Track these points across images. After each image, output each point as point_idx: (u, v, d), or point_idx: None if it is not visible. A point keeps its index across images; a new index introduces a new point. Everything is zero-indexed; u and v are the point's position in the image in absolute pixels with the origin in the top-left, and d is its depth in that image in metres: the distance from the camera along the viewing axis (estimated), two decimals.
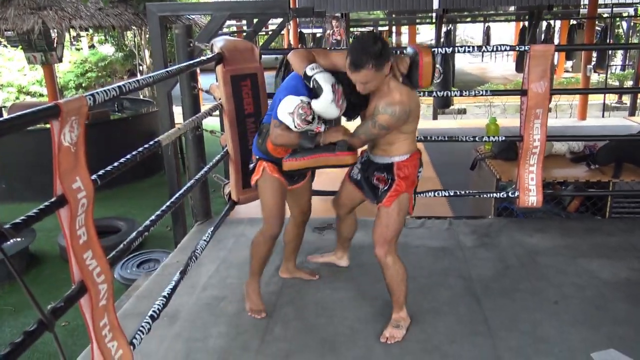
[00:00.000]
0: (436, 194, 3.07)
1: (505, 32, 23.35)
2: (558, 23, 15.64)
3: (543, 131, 2.87)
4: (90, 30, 8.75)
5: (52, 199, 1.28)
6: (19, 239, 4.56)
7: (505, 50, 3.05)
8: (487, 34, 17.21)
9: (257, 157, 2.27)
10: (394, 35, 20.36)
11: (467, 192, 3.22)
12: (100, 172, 1.50)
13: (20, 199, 6.01)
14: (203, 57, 2.77)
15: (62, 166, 1.28)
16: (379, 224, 2.15)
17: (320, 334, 2.22)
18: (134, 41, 12.36)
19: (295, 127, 1.96)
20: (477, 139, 3.12)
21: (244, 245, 3.10)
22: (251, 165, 2.31)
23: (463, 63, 20.83)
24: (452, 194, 3.10)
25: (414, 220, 3.38)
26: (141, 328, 1.76)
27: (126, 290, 3.16)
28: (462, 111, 12.16)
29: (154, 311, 1.85)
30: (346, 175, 2.42)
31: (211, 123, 6.00)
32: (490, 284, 2.58)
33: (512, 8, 13.23)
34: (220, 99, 2.82)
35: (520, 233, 3.13)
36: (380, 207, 2.14)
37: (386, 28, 20.30)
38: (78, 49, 14.68)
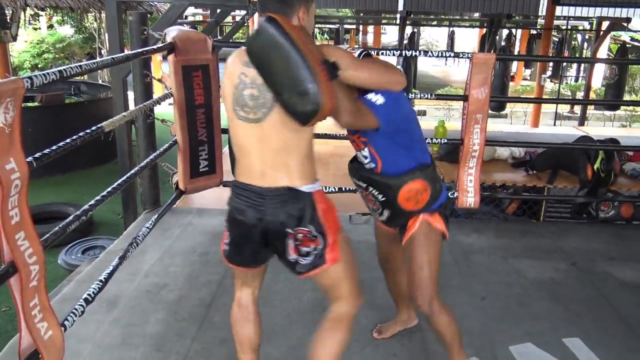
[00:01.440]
0: None
1: (470, 37, 23.88)
2: (520, 32, 16.16)
3: (482, 136, 3.01)
4: (49, 10, 8.50)
5: None
6: None
7: (450, 56, 3.16)
8: (451, 38, 17.58)
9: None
10: (360, 34, 20.54)
11: None
12: (37, 155, 1.52)
13: None
14: (154, 46, 2.78)
15: None
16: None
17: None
18: (95, 24, 12.08)
19: None
20: None
21: (190, 234, 3.15)
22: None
23: (427, 66, 21.17)
24: None
25: (360, 217, 3.48)
26: (74, 311, 1.78)
27: (69, 276, 3.15)
28: (422, 113, 12.41)
29: (88, 294, 1.87)
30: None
31: (169, 113, 5.97)
32: None
33: (476, 14, 13.59)
34: (171, 88, 2.83)
35: (458, 232, 3.27)
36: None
37: (353, 26, 20.48)
38: (35, 29, 14.21)
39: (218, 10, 6.19)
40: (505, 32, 13.05)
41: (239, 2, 4.58)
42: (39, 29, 14.44)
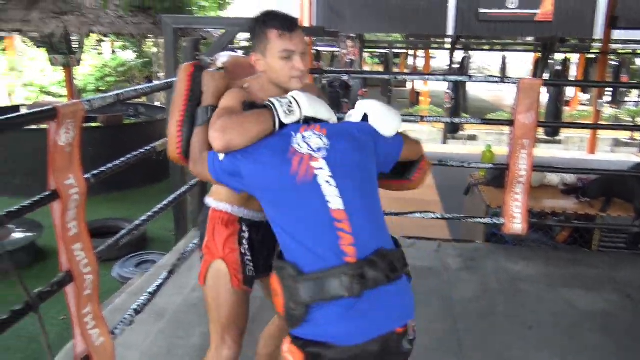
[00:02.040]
0: (424, 215, 3.15)
1: (524, 61, 23.46)
2: (576, 56, 15.74)
3: (529, 161, 2.95)
4: (111, 37, 9.01)
5: (46, 193, 1.40)
6: (29, 234, 4.73)
7: (495, 81, 3.14)
8: (503, 62, 17.34)
9: None
10: (410, 58, 20.59)
11: (453, 215, 3.31)
12: (94, 172, 1.62)
13: (30, 194, 6.20)
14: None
15: (57, 164, 1.41)
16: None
17: None
18: (154, 49, 12.67)
19: None
20: (465, 164, 3.22)
21: None
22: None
23: (480, 90, 20.95)
24: (438, 216, 3.19)
25: (404, 240, 3.46)
26: (123, 320, 1.87)
27: (121, 288, 3.28)
28: (473, 137, 12.25)
29: (138, 305, 1.96)
30: None
31: None
32: (468, 306, 2.66)
33: (529, 38, 13.37)
34: None
35: (505, 259, 3.20)
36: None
37: (403, 51, 20.54)
38: (100, 54, 15.05)
39: None
40: (561, 56, 12.77)
41: None
42: (102, 53, 15.28)
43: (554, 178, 3.86)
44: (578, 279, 2.98)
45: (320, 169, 1.25)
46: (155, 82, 2.05)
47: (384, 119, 1.42)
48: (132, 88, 1.75)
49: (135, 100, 10.55)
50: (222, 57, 2.91)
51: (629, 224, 3.35)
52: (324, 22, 9.86)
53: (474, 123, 2.91)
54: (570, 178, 3.84)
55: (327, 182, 1.24)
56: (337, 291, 1.15)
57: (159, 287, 2.12)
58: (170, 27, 3.93)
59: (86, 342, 1.64)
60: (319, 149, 1.28)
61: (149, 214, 2.14)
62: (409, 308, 1.25)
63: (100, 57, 14.62)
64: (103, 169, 1.67)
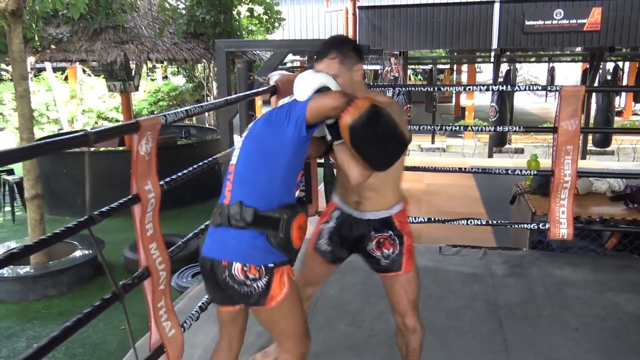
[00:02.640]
0: (469, 222, 3.24)
1: (571, 72, 22.98)
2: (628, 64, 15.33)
3: (574, 167, 3.01)
4: (165, 63, 9.53)
5: (129, 197, 1.61)
6: (88, 251, 5.08)
7: (537, 89, 3.21)
8: (551, 74, 17.06)
9: (269, 264, 1.55)
10: (454, 73, 20.55)
11: (498, 221, 3.38)
12: (167, 180, 1.84)
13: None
14: (258, 89, 3.13)
15: (138, 171, 1.62)
16: (403, 294, 1.86)
17: (348, 340, 2.45)
18: (204, 73, 13.22)
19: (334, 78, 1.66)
20: (509, 172, 3.29)
21: None
22: (259, 283, 1.56)
23: (527, 103, 20.64)
24: (482, 222, 3.27)
25: (450, 248, 3.55)
26: (191, 316, 2.07)
27: (181, 295, 3.50)
28: (520, 150, 12.10)
29: (202, 303, 2.16)
30: (310, 246, 2.03)
31: None
32: (514, 309, 2.73)
33: (578, 48, 13.15)
34: None
35: (551, 266, 3.24)
36: (400, 275, 1.85)
37: (447, 66, 20.54)
38: (153, 79, 15.82)
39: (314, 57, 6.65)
40: (612, 65, 12.49)
41: None
42: (155, 79, 16.05)
43: (601, 185, 3.86)
44: (626, 283, 2.98)
45: (244, 136, 1.69)
46: (216, 100, 2.26)
47: (298, 85, 1.63)
48: (198, 105, 1.96)
49: (187, 122, 11.07)
50: (274, 76, 3.14)
51: None
52: (367, 40, 10.07)
53: (517, 131, 2.99)
54: (618, 185, 3.84)
55: (239, 146, 1.68)
56: (212, 220, 1.67)
57: None
58: (223, 51, 4.21)
59: (160, 333, 1.84)
60: (257, 121, 1.69)
61: (202, 227, 2.32)
62: (234, 250, 1.58)
63: (154, 82, 15.36)
64: (174, 177, 1.88)
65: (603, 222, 3.59)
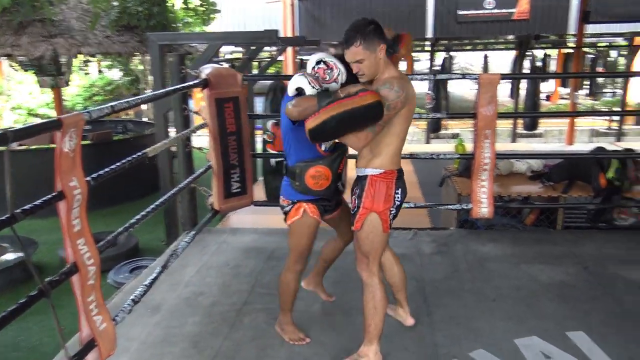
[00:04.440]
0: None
1: (504, 59, 23.87)
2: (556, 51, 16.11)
3: (492, 150, 3.21)
4: (99, 56, 9.25)
5: (53, 194, 1.63)
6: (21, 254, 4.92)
7: (458, 78, 3.41)
8: (485, 61, 17.68)
9: (295, 200, 2.21)
10: None
11: (425, 204, 3.57)
12: (93, 175, 1.86)
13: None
14: (190, 82, 3.15)
15: (62, 167, 1.64)
16: (356, 245, 2.18)
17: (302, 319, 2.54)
18: (139, 67, 12.90)
19: (309, 83, 2.01)
20: (434, 156, 3.48)
21: (224, 250, 3.46)
22: (286, 208, 2.24)
23: (464, 89, 21.30)
24: (412, 205, 3.44)
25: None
26: (123, 309, 2.10)
27: (117, 291, 3.50)
28: (456, 135, 12.55)
29: (135, 295, 2.19)
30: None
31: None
32: (438, 285, 2.91)
33: (510, 37, 13.69)
34: (206, 119, 3.19)
35: (475, 243, 3.46)
36: (354, 230, 2.15)
37: None
38: (86, 74, 15.25)
39: (252, 48, 6.65)
40: (542, 52, 13.08)
41: (269, 39, 4.96)
42: (89, 73, 15.49)
43: (521, 166, 4.13)
44: (540, 255, 3.24)
45: None
46: (145, 95, 2.28)
47: (289, 84, 2.07)
48: (125, 100, 1.98)
49: (124, 116, 10.79)
50: (206, 69, 3.18)
51: (586, 202, 3.62)
52: (307, 31, 10.13)
53: (441, 118, 3.15)
54: (537, 165, 4.11)
55: None
56: None
57: (154, 279, 2.35)
58: (156, 44, 4.18)
59: (91, 327, 1.87)
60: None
61: (143, 213, 2.36)
62: (282, 188, 2.27)
63: (87, 77, 14.83)
64: (101, 172, 1.90)
65: (523, 200, 3.86)
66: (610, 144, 9.34)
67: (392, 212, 2.11)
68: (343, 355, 2.24)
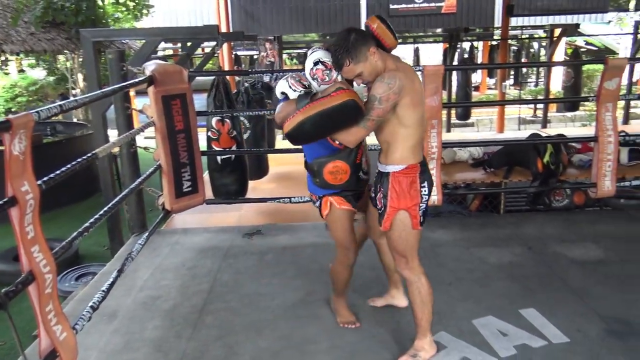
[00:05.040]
0: None
1: (434, 52, 24.64)
2: (482, 43, 16.82)
3: (439, 139, 3.32)
4: (21, 55, 8.71)
5: (5, 199, 1.53)
6: None
7: None
8: (416, 54, 18.18)
9: (320, 195, 2.25)
10: None
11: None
12: (45, 179, 1.76)
13: None
14: (135, 80, 3.04)
15: (12, 172, 1.55)
16: (390, 245, 2.17)
17: (247, 320, 2.52)
18: (67, 65, 12.27)
19: (290, 86, 2.05)
20: (374, 147, 3.55)
21: (178, 252, 3.38)
22: (316, 204, 2.29)
23: None
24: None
25: None
26: (82, 316, 2.01)
27: (65, 300, 3.33)
28: None
29: (94, 302, 2.10)
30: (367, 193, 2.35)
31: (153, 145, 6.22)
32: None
33: (438, 30, 14.14)
34: (152, 118, 3.09)
35: (425, 230, 3.48)
36: (383, 230, 2.13)
37: None
38: (6, 74, 14.34)
39: (189, 44, 6.49)
40: (468, 44, 13.60)
41: (209, 34, 4.86)
42: (9, 73, 14.57)
43: (463, 154, 4.29)
44: (488, 239, 3.39)
45: None
46: (90, 94, 2.18)
47: (275, 89, 2.16)
48: (72, 99, 1.89)
49: (53, 118, 10.21)
50: (150, 66, 3.08)
51: (526, 186, 3.82)
52: (241, 26, 10.01)
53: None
54: (477, 153, 4.29)
55: None
56: None
57: (112, 284, 2.26)
58: (89, 41, 3.98)
59: (51, 338, 1.78)
60: None
61: (86, 225, 2.21)
62: (310, 187, 2.30)
63: (7, 77, 13.93)
64: (53, 175, 1.80)
65: (467, 187, 4.01)
66: (537, 131, 9.89)
67: (422, 207, 2.07)
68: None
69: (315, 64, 2.01)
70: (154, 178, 3.23)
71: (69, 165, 1.94)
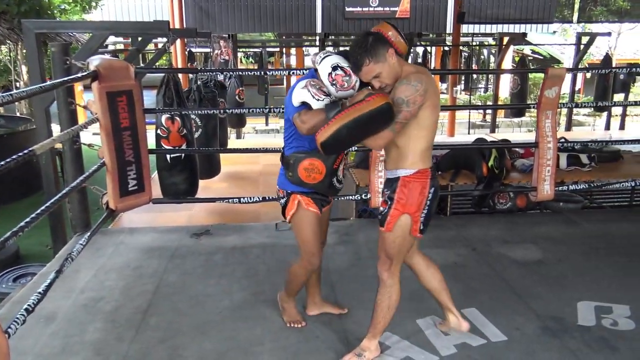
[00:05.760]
0: None
1: None
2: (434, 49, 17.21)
3: None
4: None
5: None
6: None
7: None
8: None
9: (290, 191, 2.20)
10: (284, 56, 21.07)
11: None
12: None
13: None
14: (77, 75, 2.95)
15: None
16: (380, 246, 2.14)
17: (193, 321, 2.49)
18: (10, 56, 11.74)
19: (313, 96, 1.98)
20: None
21: (123, 252, 3.30)
22: (282, 200, 2.24)
23: None
24: None
25: (285, 224, 3.74)
26: (16, 320, 1.92)
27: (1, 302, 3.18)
28: None
29: (29, 305, 2.01)
30: None
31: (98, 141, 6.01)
32: (344, 272, 3.01)
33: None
34: (96, 114, 3.00)
35: (374, 231, 3.52)
36: (382, 230, 2.10)
37: (277, 49, 20.96)
38: None
39: (139, 39, 6.33)
40: (422, 49, 13.90)
41: (159, 30, 4.76)
42: None
43: None
44: (435, 239, 3.46)
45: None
46: (29, 88, 2.09)
47: (293, 92, 2.07)
48: (7, 93, 1.80)
49: None
50: (95, 61, 2.99)
51: (471, 189, 3.94)
52: (194, 23, 9.86)
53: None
54: None
55: None
56: None
57: (49, 286, 2.18)
58: (32, 32, 3.82)
59: None
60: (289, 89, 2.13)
61: (27, 220, 2.14)
62: (280, 181, 2.25)
63: None
64: None
65: None
66: (486, 135, 10.20)
67: (424, 213, 2.05)
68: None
69: (334, 69, 1.96)
70: (101, 176, 3.14)
71: (3, 162, 1.86)
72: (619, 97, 10.51)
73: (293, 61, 19.51)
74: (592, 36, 10.79)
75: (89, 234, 2.82)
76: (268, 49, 18.04)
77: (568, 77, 15.58)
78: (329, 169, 2.14)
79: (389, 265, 2.13)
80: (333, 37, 13.08)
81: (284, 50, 20.34)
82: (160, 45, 11.58)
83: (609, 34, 11.77)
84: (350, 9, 11.07)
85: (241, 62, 22.59)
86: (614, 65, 11.58)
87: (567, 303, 2.66)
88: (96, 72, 2.89)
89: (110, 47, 13.62)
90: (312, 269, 2.33)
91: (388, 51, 1.90)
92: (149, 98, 5.09)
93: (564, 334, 2.40)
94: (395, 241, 2.07)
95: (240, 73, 8.72)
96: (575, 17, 13.10)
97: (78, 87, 10.99)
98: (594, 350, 2.27)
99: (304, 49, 14.75)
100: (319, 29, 11.33)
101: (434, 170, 2.06)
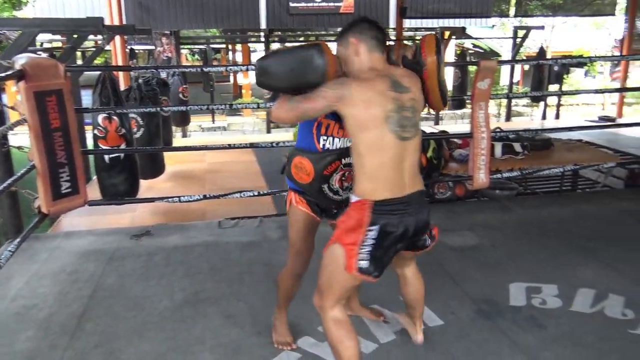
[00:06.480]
0: (242, 194, 3.45)
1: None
2: None
3: None
4: None
5: None
6: None
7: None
8: None
9: (289, 186, 2.16)
10: (230, 53, 20.82)
11: (270, 191, 3.67)
12: None
13: None
14: (2, 74, 2.82)
15: None
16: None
17: (130, 324, 2.44)
18: None
19: None
20: (274, 145, 3.59)
21: (58, 256, 3.19)
22: (286, 195, 2.19)
23: None
24: (255, 193, 3.52)
25: (228, 221, 3.73)
26: None
27: None
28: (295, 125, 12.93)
29: None
30: None
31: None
32: None
33: (339, 29, 14.45)
34: (24, 115, 2.88)
35: (322, 225, 3.64)
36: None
37: (223, 46, 20.67)
38: None
39: (74, 36, 6.10)
40: None
41: (93, 27, 4.62)
42: None
43: None
44: None
45: None
46: None
47: None
48: None
49: None
50: (21, 59, 2.87)
51: None
52: (134, 19, 9.60)
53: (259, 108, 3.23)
54: None
55: None
56: None
57: None
58: None
59: None
60: None
61: None
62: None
63: None
64: None
65: None
66: (430, 127, 10.44)
67: (365, 250, 1.77)
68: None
69: None
70: (33, 180, 3.02)
71: None
72: (553, 87, 10.99)
73: (239, 57, 19.32)
74: (528, 30, 11.24)
75: (19, 239, 2.72)
76: (213, 46, 17.77)
77: (506, 69, 16.24)
78: (317, 173, 1.97)
79: (319, 297, 1.93)
80: (279, 32, 13.04)
81: (229, 46, 20.10)
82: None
83: (542, 27, 12.28)
84: (295, 4, 11.07)
85: (186, 59, 22.18)
86: (548, 58, 12.11)
87: (500, 285, 2.78)
88: (22, 71, 2.78)
89: (47, 46, 13.08)
90: (296, 272, 2.18)
91: (350, 40, 1.82)
92: (90, 98, 4.95)
93: (496, 315, 2.50)
94: (326, 269, 1.88)
95: (184, 70, 8.56)
96: (512, 12, 13.59)
97: (12, 87, 10.51)
98: (523, 329, 2.38)
99: (249, 45, 14.66)
100: (263, 25, 11.26)
101: (393, 203, 1.76)
